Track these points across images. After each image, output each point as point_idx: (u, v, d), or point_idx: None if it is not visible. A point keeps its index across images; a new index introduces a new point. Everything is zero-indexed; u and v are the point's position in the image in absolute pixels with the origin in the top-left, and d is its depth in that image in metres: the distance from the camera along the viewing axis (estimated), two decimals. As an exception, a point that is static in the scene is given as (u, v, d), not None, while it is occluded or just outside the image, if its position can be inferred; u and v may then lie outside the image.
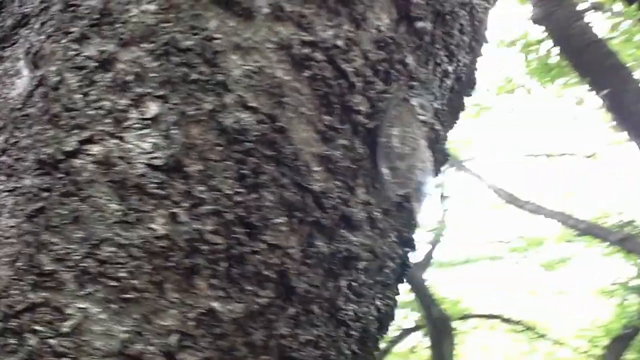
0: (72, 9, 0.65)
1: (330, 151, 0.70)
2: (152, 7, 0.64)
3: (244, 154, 0.63)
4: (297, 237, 0.66)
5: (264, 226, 0.63)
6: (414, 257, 0.93)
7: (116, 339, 0.55)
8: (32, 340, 0.53)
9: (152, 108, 0.60)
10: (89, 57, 0.62)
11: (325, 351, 0.69)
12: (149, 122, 0.60)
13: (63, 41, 0.63)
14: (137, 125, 0.60)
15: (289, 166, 0.66)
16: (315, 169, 0.68)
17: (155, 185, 0.59)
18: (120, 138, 0.59)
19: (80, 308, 0.55)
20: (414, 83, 0.83)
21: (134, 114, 0.60)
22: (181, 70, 0.62)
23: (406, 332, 8.56)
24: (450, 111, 0.98)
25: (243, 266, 0.61)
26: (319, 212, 0.68)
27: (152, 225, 0.58)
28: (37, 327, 0.53)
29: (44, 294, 0.54)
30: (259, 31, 0.67)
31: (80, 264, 0.55)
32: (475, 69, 1.05)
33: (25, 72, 0.65)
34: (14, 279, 0.55)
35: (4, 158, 0.60)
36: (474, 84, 1.05)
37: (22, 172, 0.59)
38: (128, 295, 0.56)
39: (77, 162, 0.58)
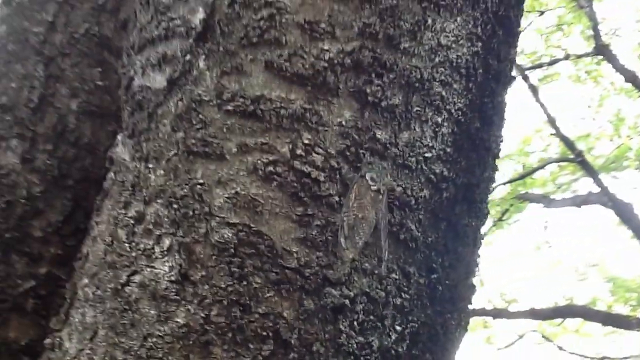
0: (121, 184, 1.00)
1: (306, 233, 0.95)
2: (161, 172, 0.97)
3: (230, 257, 0.91)
4: (290, 302, 0.92)
5: (257, 302, 0.91)
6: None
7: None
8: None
9: (166, 242, 0.92)
10: (130, 217, 0.96)
11: (334, 379, 0.93)
12: (165, 252, 0.92)
13: (117, 208, 0.99)
14: (159, 256, 0.92)
15: (268, 255, 0.92)
16: (295, 249, 0.94)
17: (174, 293, 0.90)
18: (152, 267, 0.92)
19: (141, 382, 0.88)
20: (389, 152, 1.03)
21: (157, 249, 0.93)
22: (182, 211, 0.94)
23: None
24: (463, 149, 1.13)
25: (244, 332, 0.89)
26: (302, 281, 0.93)
27: (176, 319, 0.89)
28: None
29: (119, 376, 0.89)
30: (233, 165, 0.96)
31: (138, 352, 0.89)
32: (487, 103, 1.18)
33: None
34: (104, 370, 0.90)
35: (98, 292, 0.96)
36: (490, 119, 1.18)
37: (105, 299, 0.95)
38: (169, 368, 0.88)
39: (127, 289, 0.92)
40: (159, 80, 1.02)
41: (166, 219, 0.94)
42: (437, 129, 1.09)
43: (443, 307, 1.10)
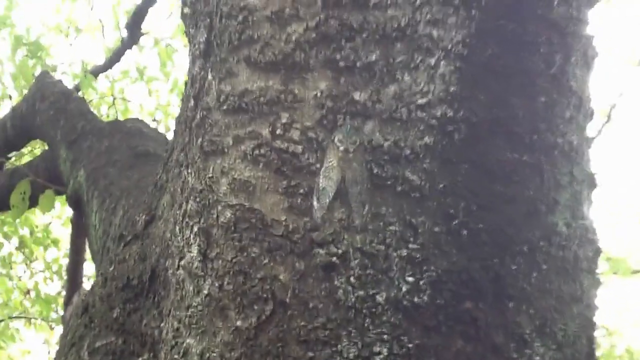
0: (179, 191, 1.24)
1: (292, 202, 1.05)
2: (193, 174, 1.18)
3: (232, 233, 1.07)
4: (284, 266, 1.04)
5: (256, 269, 1.05)
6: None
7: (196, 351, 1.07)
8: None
9: (195, 229, 1.13)
10: (180, 214, 1.19)
11: (334, 331, 1.00)
12: (195, 237, 1.13)
13: (175, 209, 1.23)
14: (192, 242, 1.13)
15: (260, 227, 1.06)
16: (283, 218, 1.05)
17: (200, 269, 1.10)
18: (189, 252, 1.14)
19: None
20: (372, 110, 1.05)
21: (191, 237, 1.14)
22: (201, 203, 1.13)
23: None
24: (479, 82, 1.07)
25: (248, 296, 1.04)
26: (291, 245, 1.03)
27: (204, 291, 1.09)
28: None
29: None
30: (230, 157, 1.11)
31: (184, 320, 1.11)
32: (505, 26, 1.07)
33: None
34: None
35: (171, 279, 1.21)
36: (514, 41, 1.06)
37: (171, 283, 1.19)
38: (202, 329, 1.08)
39: (178, 272, 1.15)
40: (191, 100, 1.24)
41: (194, 211, 1.15)
42: (432, 71, 1.06)
43: (479, 251, 1.05)
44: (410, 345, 1.02)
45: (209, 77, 1.19)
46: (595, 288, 1.17)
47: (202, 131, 1.17)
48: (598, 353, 1.21)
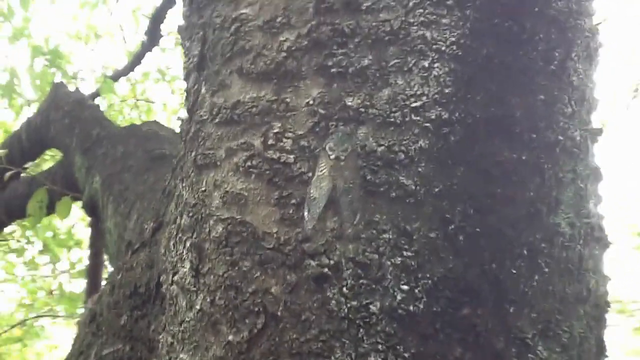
0: (174, 205, 1.23)
1: (284, 213, 1.03)
2: (187, 188, 1.17)
3: (224, 247, 1.06)
4: (275, 279, 1.02)
5: (247, 282, 1.03)
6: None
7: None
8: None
9: (187, 244, 1.12)
10: (174, 229, 1.19)
11: (327, 343, 0.98)
12: (187, 252, 1.12)
13: (170, 224, 1.22)
14: (185, 257, 1.12)
15: (251, 240, 1.04)
16: (275, 230, 1.03)
17: (193, 285, 1.09)
18: (182, 267, 1.13)
19: None
20: (364, 115, 1.03)
21: (184, 252, 1.13)
22: (194, 217, 1.12)
23: None
24: (474, 82, 1.04)
25: (240, 310, 1.03)
26: (282, 257, 1.02)
27: (196, 306, 1.08)
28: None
29: None
30: (223, 170, 1.10)
31: (177, 335, 1.10)
32: (500, 24, 1.04)
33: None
34: None
35: (166, 293, 1.20)
36: (512, 38, 1.03)
37: (166, 297, 1.18)
38: (195, 344, 1.07)
39: (172, 287, 1.14)
40: (186, 113, 1.23)
41: (187, 226, 1.14)
42: (425, 74, 1.04)
43: (477, 256, 1.02)
44: (406, 355, 0.99)
45: (203, 90, 1.18)
46: (604, 286, 1.13)
47: (195, 144, 1.17)
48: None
